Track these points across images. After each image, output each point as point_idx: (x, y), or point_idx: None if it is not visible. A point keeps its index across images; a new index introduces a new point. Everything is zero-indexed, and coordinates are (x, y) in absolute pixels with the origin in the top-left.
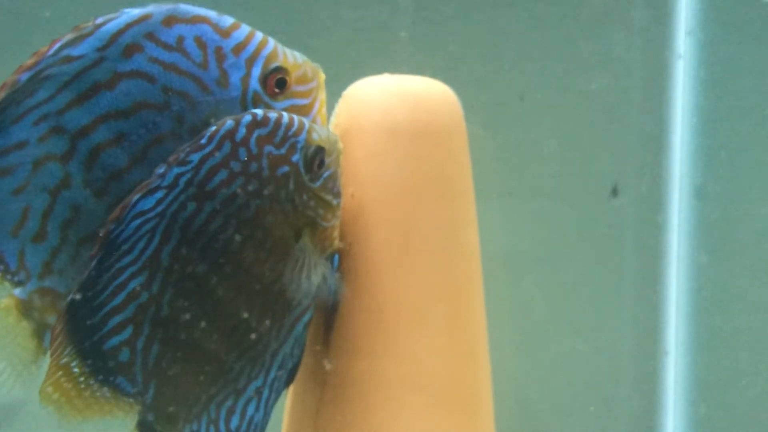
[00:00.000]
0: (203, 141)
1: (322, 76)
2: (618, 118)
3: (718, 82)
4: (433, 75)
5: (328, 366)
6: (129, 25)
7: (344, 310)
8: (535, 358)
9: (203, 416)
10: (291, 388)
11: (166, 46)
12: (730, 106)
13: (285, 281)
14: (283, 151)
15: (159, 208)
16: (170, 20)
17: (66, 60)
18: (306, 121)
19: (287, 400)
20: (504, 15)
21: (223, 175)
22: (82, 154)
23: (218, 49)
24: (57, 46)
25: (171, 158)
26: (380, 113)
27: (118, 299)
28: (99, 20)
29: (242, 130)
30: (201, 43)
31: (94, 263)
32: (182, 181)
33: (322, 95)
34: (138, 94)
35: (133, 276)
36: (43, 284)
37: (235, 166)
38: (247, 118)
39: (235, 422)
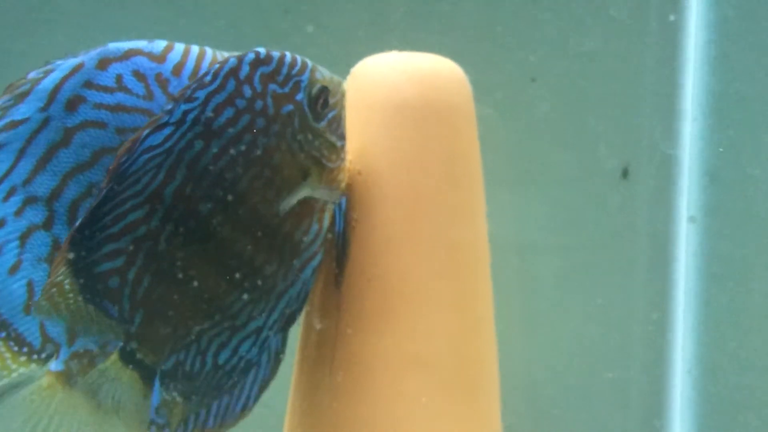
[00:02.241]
0: (208, 78)
1: None
2: (629, 99)
3: (730, 62)
4: (443, 54)
5: (333, 341)
6: (64, 79)
7: (350, 287)
8: (545, 341)
9: (192, 347)
10: (297, 364)
11: (107, 89)
12: (742, 86)
13: (293, 220)
14: (286, 89)
15: (167, 144)
16: (103, 63)
17: (11, 125)
18: (309, 61)
19: (293, 374)
20: None
21: (229, 112)
22: (61, 215)
23: (158, 76)
24: None
25: (177, 94)
26: (388, 90)
27: (116, 227)
28: (31, 75)
29: (245, 68)
30: (140, 75)
31: (103, 194)
32: (189, 118)
33: None
34: (94, 143)
35: (133, 208)
36: (75, 349)
37: (241, 103)
38: (250, 55)
39: (224, 356)
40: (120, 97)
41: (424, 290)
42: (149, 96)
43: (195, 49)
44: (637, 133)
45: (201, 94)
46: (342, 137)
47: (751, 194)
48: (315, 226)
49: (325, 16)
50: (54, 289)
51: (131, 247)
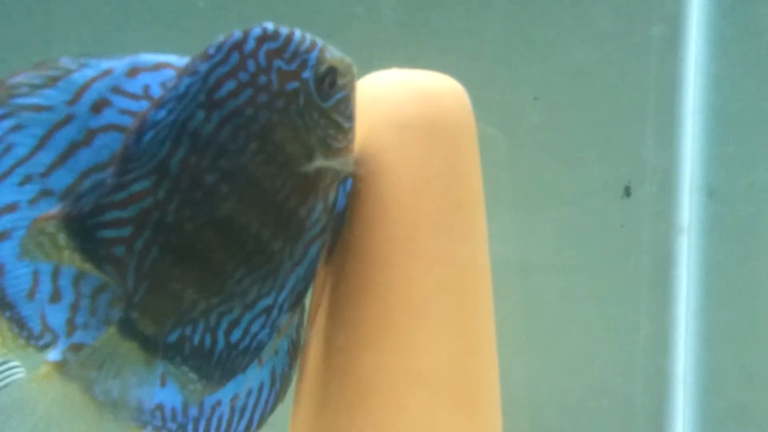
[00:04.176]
0: (211, 51)
1: None
2: (630, 117)
3: (729, 79)
4: (443, 72)
5: (334, 358)
6: (94, 79)
7: (351, 302)
8: (546, 358)
9: (200, 322)
10: (297, 379)
11: (134, 96)
12: (741, 102)
13: (298, 197)
14: (293, 66)
15: (170, 117)
16: (133, 71)
17: (36, 108)
18: (319, 40)
19: (294, 390)
20: (516, 11)
21: (231, 85)
22: None
23: None
24: (21, 78)
25: (180, 70)
26: (389, 108)
27: (119, 195)
28: (64, 61)
29: (251, 43)
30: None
31: (114, 179)
32: (192, 90)
33: None
34: (114, 146)
35: (138, 178)
36: (73, 340)
37: (243, 77)
38: (257, 30)
39: (236, 335)
40: (145, 105)
41: (424, 306)
42: None
43: None
44: (639, 151)
45: (203, 67)
46: (350, 118)
47: (751, 210)
48: (320, 204)
49: (327, 35)
50: (45, 238)
51: (139, 219)
